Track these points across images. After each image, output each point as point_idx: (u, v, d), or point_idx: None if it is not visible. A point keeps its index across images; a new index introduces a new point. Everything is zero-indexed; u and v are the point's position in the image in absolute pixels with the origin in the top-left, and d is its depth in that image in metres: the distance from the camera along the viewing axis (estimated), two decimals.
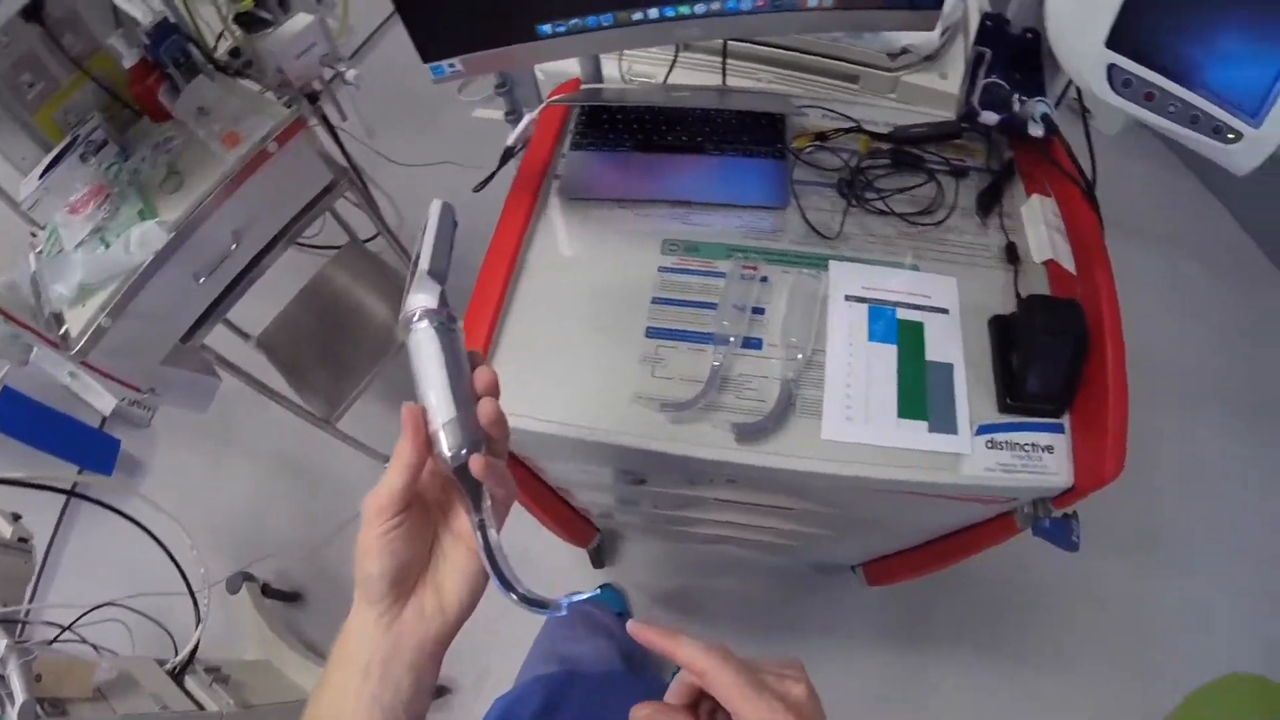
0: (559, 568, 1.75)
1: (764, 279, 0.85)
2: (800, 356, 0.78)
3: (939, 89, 1.18)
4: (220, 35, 1.38)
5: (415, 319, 0.49)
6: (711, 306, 0.83)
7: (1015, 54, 0.87)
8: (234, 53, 1.32)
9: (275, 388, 1.57)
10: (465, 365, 0.49)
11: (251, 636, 1.62)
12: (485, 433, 0.48)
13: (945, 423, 0.77)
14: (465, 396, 0.48)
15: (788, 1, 0.79)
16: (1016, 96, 0.87)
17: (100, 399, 1.29)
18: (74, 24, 1.25)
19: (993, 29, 0.88)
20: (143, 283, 1.16)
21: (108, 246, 1.15)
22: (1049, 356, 0.77)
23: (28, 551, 1.23)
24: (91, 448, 2.02)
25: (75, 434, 1.98)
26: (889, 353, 0.81)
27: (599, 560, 1.72)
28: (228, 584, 1.64)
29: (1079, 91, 0.78)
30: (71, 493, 1.53)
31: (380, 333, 1.80)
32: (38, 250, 1.25)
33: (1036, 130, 0.85)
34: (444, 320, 0.49)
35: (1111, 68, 0.70)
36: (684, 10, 0.79)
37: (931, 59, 1.20)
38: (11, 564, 1.19)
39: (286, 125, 1.21)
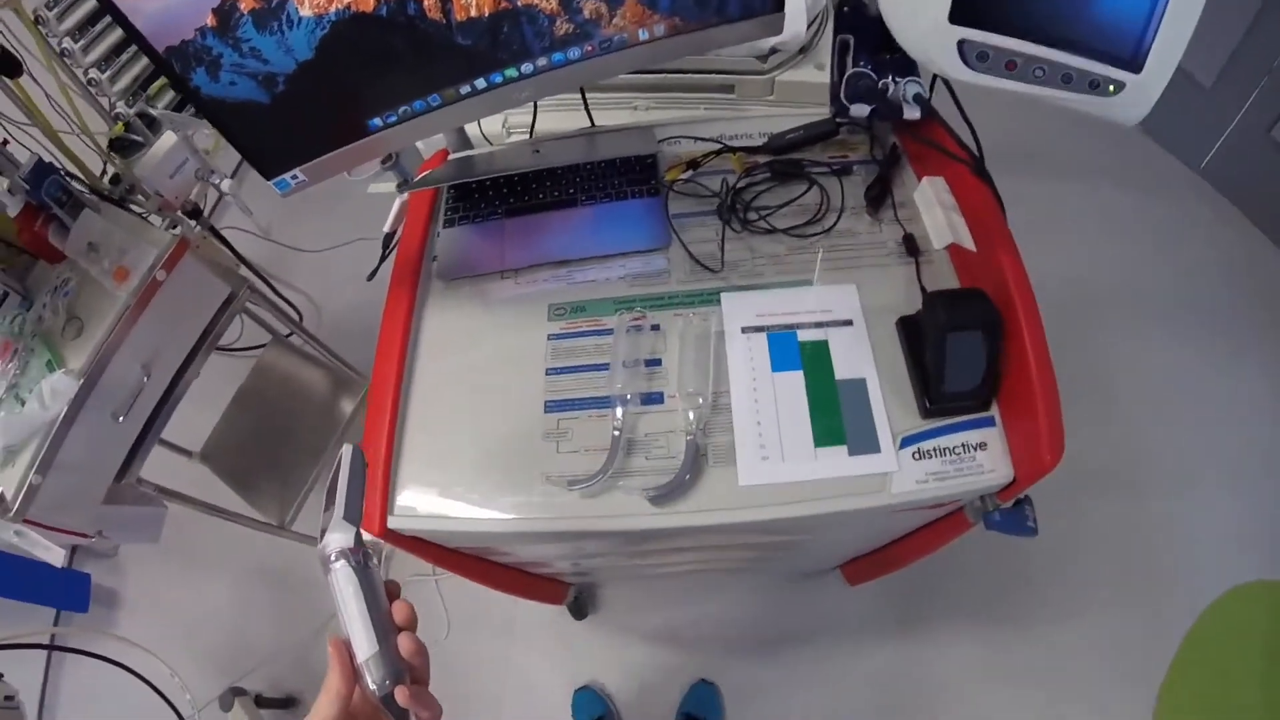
0: (541, 623, 1.72)
1: (655, 326, 0.83)
2: (702, 402, 0.75)
3: (817, 81, 1.15)
4: (106, 162, 1.39)
5: (333, 559, 0.54)
6: (602, 368, 0.80)
7: (880, 36, 0.82)
8: (114, 180, 1.32)
9: (219, 503, 1.57)
10: (383, 599, 0.54)
11: None
12: (407, 663, 0.52)
13: (866, 442, 0.74)
14: (385, 630, 0.53)
15: (616, 41, 0.77)
16: (891, 79, 0.85)
17: (49, 553, 1.30)
18: None
19: (851, 14, 0.86)
20: (63, 434, 1.16)
21: (23, 404, 1.15)
22: (963, 353, 0.74)
23: (15, 709, 1.21)
24: (63, 587, 2.03)
25: (44, 577, 1.96)
26: (795, 380, 0.78)
27: (579, 612, 1.68)
28: (220, 703, 1.62)
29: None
30: (50, 646, 1.53)
31: (318, 427, 1.79)
32: None
33: (912, 113, 0.83)
34: (360, 560, 0.54)
35: (962, 43, 0.67)
36: (511, 74, 0.77)
37: (805, 51, 1.18)
38: None
39: (171, 250, 1.20)
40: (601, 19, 0.74)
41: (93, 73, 1.28)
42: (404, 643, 0.52)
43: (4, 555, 1.80)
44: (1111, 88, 0.65)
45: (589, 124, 1.03)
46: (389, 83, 0.75)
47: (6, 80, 1.23)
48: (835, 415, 0.75)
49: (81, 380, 1.16)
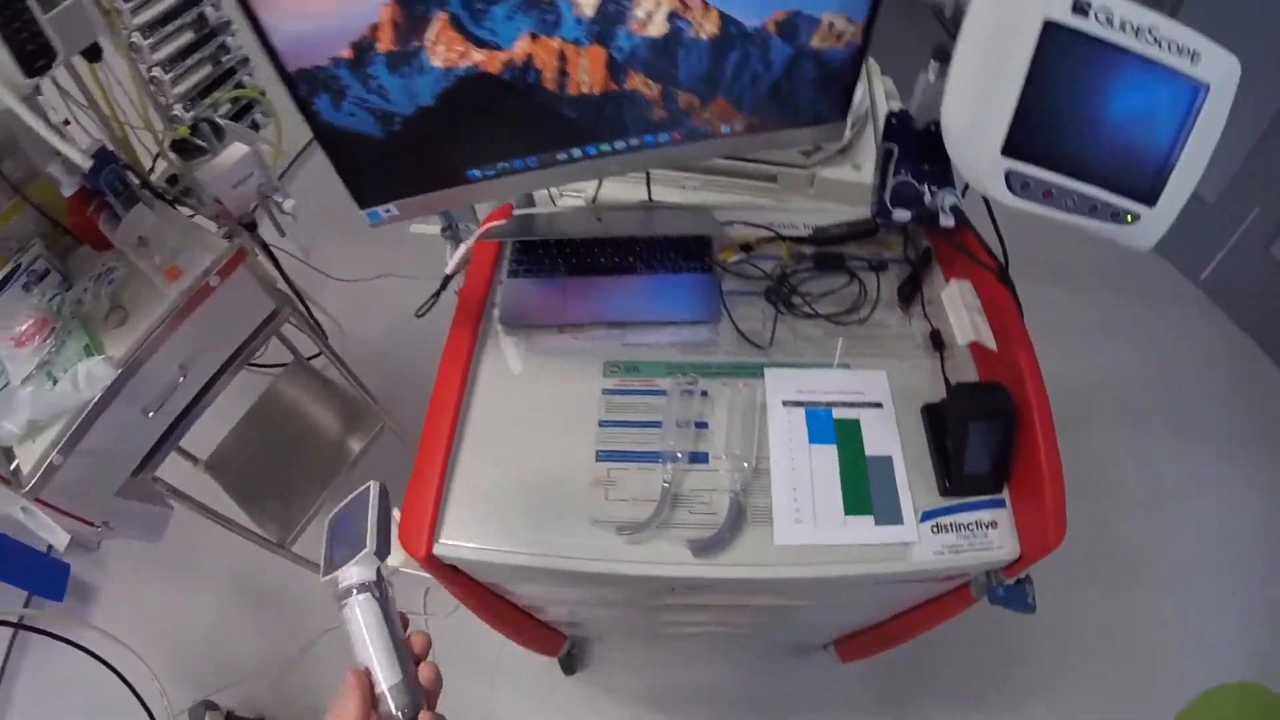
0: (531, 674, 1.76)
1: (704, 393, 0.92)
2: (746, 466, 0.85)
3: (854, 180, 1.29)
4: (156, 160, 1.43)
5: (356, 592, 0.57)
6: (656, 425, 0.90)
7: (922, 146, 0.96)
8: (171, 180, 1.37)
9: (225, 513, 1.60)
10: (401, 630, 0.58)
11: None
12: (425, 691, 0.56)
13: (891, 514, 0.83)
14: (405, 659, 0.56)
15: (701, 131, 0.89)
16: (927, 188, 0.96)
17: (54, 534, 1.29)
18: (12, 150, 1.27)
19: (898, 125, 0.97)
20: (92, 420, 1.18)
21: (55, 383, 1.17)
22: (981, 440, 0.84)
23: None
24: (40, 573, 1.99)
25: (22, 559, 1.94)
26: (830, 453, 0.88)
27: (570, 667, 1.73)
28: (190, 715, 1.62)
29: None
30: (19, 625, 1.49)
31: (329, 453, 1.83)
32: None
33: (947, 221, 0.94)
34: (382, 591, 0.58)
35: (1009, 173, 0.78)
36: (605, 148, 0.88)
37: (844, 151, 1.32)
38: None
39: (228, 259, 1.25)
40: (693, 111, 0.86)
41: (156, 71, 1.30)
42: (425, 671, 0.57)
43: None
44: (1129, 218, 0.77)
45: (647, 198, 1.15)
46: (495, 140, 0.85)
47: (82, 63, 1.26)
48: (864, 487, 0.85)
49: (120, 370, 1.18)
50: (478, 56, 0.74)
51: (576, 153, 0.88)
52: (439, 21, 0.71)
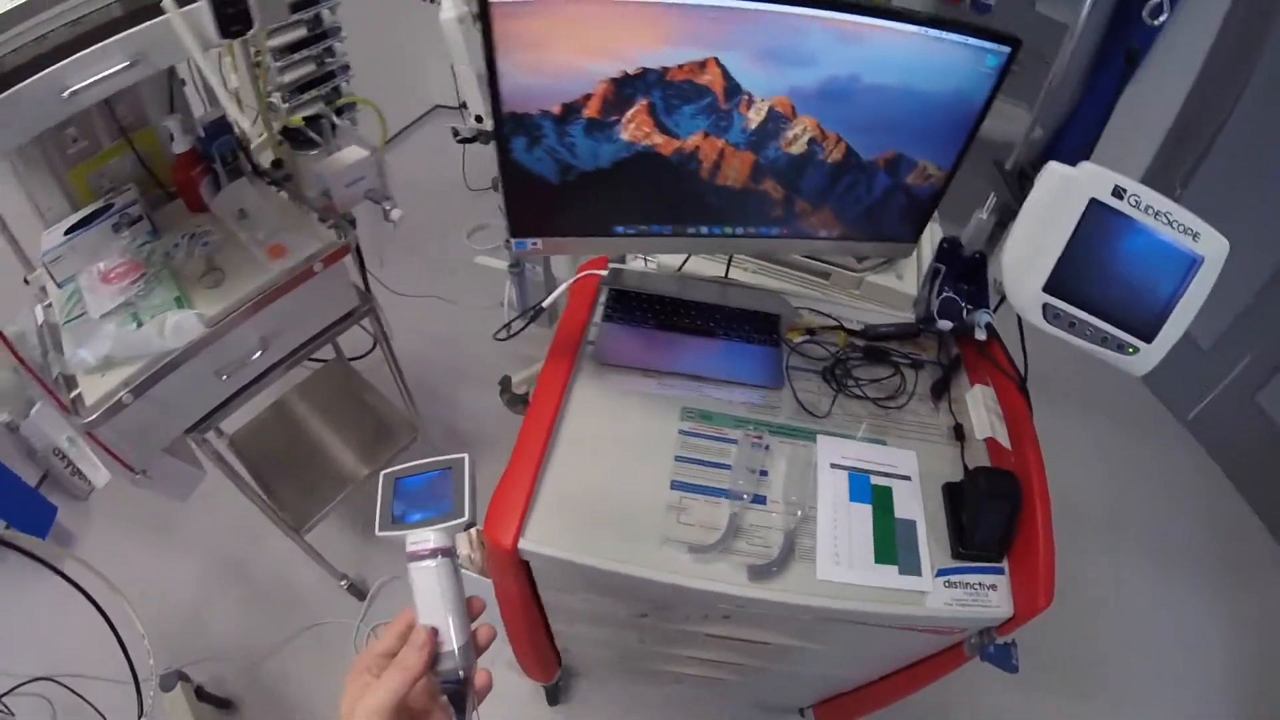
0: (516, 700, 1.90)
1: (767, 446, 1.12)
2: (799, 513, 1.04)
3: (895, 288, 1.53)
4: (262, 141, 1.54)
5: (440, 555, 0.63)
6: (725, 466, 1.08)
7: (965, 269, 1.19)
8: (276, 164, 1.51)
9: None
10: (463, 596, 0.64)
11: None
12: (478, 653, 0.64)
13: (912, 567, 1.03)
14: (466, 625, 0.63)
15: (805, 232, 1.12)
16: (965, 306, 1.19)
17: (96, 472, 1.34)
18: (131, 95, 1.35)
19: (949, 250, 1.20)
20: (169, 369, 1.25)
21: (139, 325, 1.24)
22: (991, 516, 1.05)
23: None
24: (26, 507, 2.01)
25: (11, 491, 1.95)
26: (866, 511, 1.07)
27: (554, 698, 1.88)
28: (162, 681, 1.66)
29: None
30: (6, 544, 1.42)
31: (358, 455, 1.95)
32: (46, 304, 1.33)
33: (981, 335, 1.17)
34: (456, 558, 0.64)
35: (1045, 305, 1.01)
36: (728, 230, 1.11)
37: (889, 264, 1.57)
38: None
39: (336, 250, 1.38)
40: (803, 215, 1.09)
41: (266, 58, 1.36)
42: (484, 633, 0.64)
43: None
44: (1130, 350, 1.00)
45: (724, 274, 1.39)
46: (646, 206, 1.07)
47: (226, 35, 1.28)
48: (892, 542, 1.04)
49: (209, 329, 1.27)
50: (658, 139, 0.96)
51: (705, 229, 1.10)
52: (640, 106, 0.92)
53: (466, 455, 0.67)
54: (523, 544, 1.00)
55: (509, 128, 0.92)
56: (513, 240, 1.09)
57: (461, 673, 0.61)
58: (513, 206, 1.04)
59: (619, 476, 1.08)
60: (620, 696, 1.95)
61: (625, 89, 0.91)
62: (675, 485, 1.07)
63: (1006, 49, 0.96)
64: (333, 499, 1.88)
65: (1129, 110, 1.23)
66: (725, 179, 1.04)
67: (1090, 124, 1.12)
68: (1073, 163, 0.96)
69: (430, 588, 0.62)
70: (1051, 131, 1.14)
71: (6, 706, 1.26)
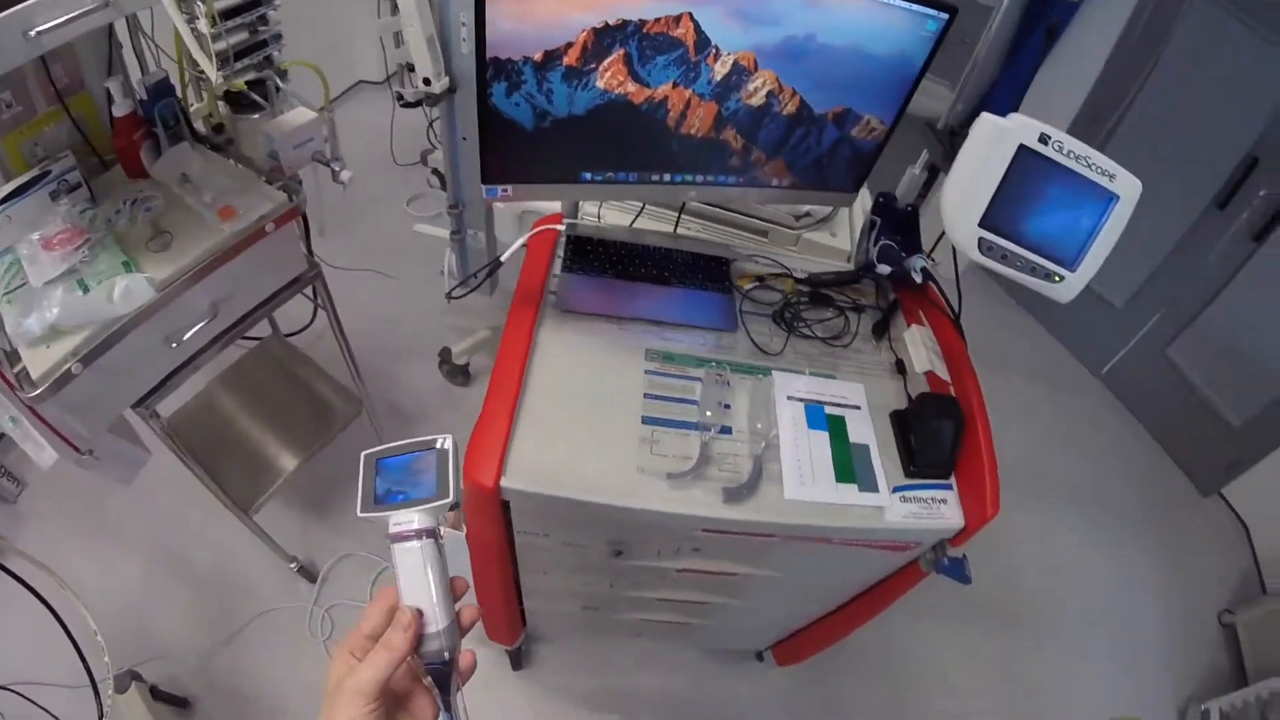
0: (480, 667, 1.91)
1: (728, 383, 1.19)
2: (764, 441, 1.12)
3: (829, 244, 1.65)
4: (202, 106, 1.51)
5: (424, 536, 0.62)
6: (689, 401, 1.15)
7: (898, 221, 1.30)
8: (217, 128, 1.49)
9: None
10: (448, 576, 0.64)
11: None
12: (462, 634, 0.63)
13: (870, 484, 1.12)
14: (450, 606, 0.62)
15: (759, 181, 1.21)
16: (901, 254, 1.31)
17: (40, 451, 1.26)
18: (69, 57, 1.30)
19: (884, 204, 1.32)
20: (120, 336, 1.21)
21: (86, 291, 1.20)
22: (938, 435, 1.15)
23: None
24: None
25: None
26: (823, 437, 1.16)
27: (517, 662, 1.91)
28: (115, 683, 1.61)
29: (954, 252, 1.23)
30: None
31: (308, 429, 1.93)
32: None
33: (917, 277, 1.28)
34: (440, 539, 0.64)
35: (981, 239, 1.11)
36: (688, 179, 1.18)
37: (824, 221, 1.69)
38: None
39: (287, 210, 1.37)
40: (758, 165, 1.17)
41: (201, 24, 1.31)
42: (469, 613, 0.64)
43: None
44: (1056, 278, 1.12)
45: (673, 230, 1.47)
46: (613, 154, 1.13)
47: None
48: (849, 464, 1.13)
49: (160, 293, 1.24)
50: (631, 88, 1.03)
51: (668, 177, 1.17)
52: (617, 56, 0.98)
53: (451, 436, 0.67)
54: (504, 482, 1.03)
55: (490, 72, 0.97)
56: (484, 187, 1.13)
57: (447, 654, 0.61)
58: (487, 153, 1.08)
59: (592, 415, 1.13)
60: (582, 656, 2.00)
61: (605, 39, 0.98)
62: (646, 420, 1.13)
63: (945, 15, 1.07)
64: (277, 479, 1.86)
65: (1046, 84, 1.37)
66: (690, 128, 1.12)
67: (1009, 98, 1.25)
68: None
69: (415, 569, 0.62)
70: (972, 107, 1.27)
71: None
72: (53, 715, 1.36)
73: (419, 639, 0.60)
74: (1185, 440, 2.80)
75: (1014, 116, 1.07)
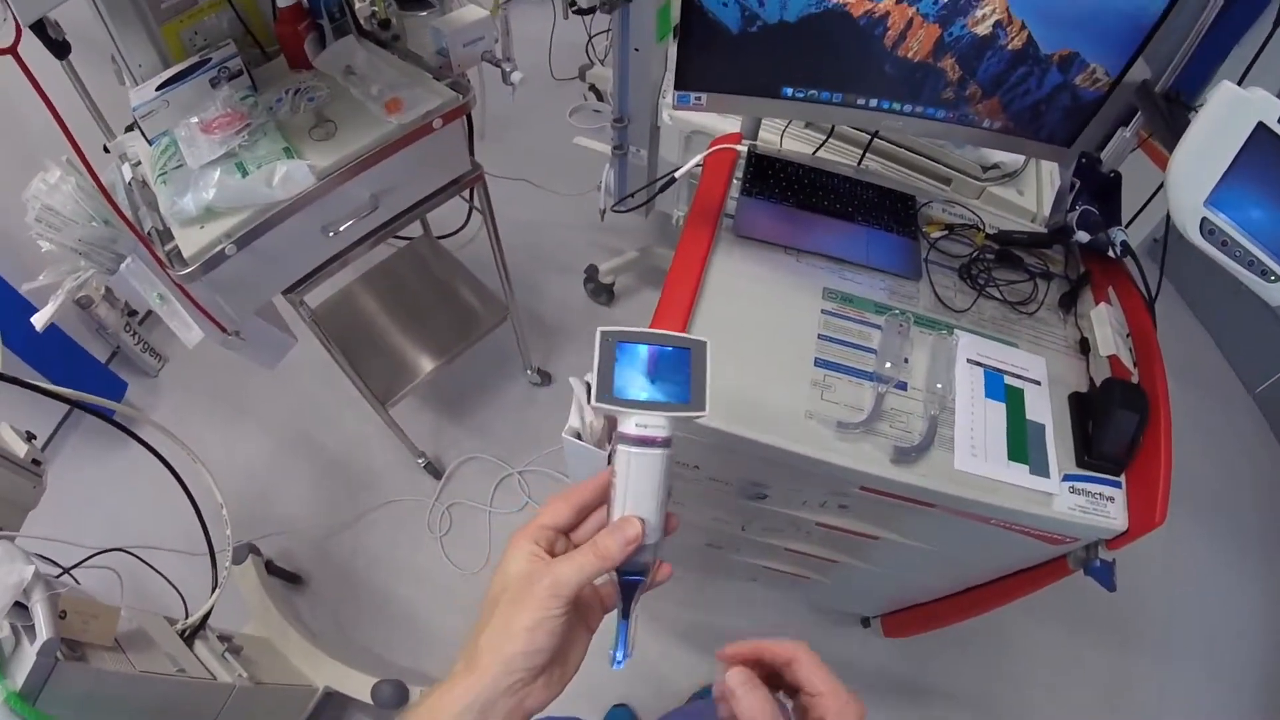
0: None
1: (908, 335, 1.19)
2: (945, 399, 1.12)
3: (1016, 202, 1.59)
4: (374, 3, 1.57)
5: (665, 445, 0.61)
6: (865, 349, 1.15)
7: (1100, 187, 1.25)
8: (384, 24, 1.52)
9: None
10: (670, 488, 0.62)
11: (254, 611, 1.72)
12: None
13: (1041, 468, 1.11)
14: (665, 518, 0.62)
15: (969, 118, 1.16)
16: (1101, 221, 1.26)
17: (188, 331, 1.34)
18: None
19: (1087, 166, 1.26)
20: (277, 221, 1.25)
21: (244, 175, 1.23)
22: (1120, 426, 1.13)
23: (38, 476, 1.19)
24: (95, 383, 2.12)
25: (83, 366, 2.05)
26: (1000, 409, 1.15)
27: None
28: (234, 554, 1.73)
29: (1167, 228, 1.20)
30: (80, 406, 1.35)
31: (450, 329, 2.00)
32: (136, 163, 1.34)
33: (1115, 252, 1.24)
34: (671, 451, 0.61)
35: (1204, 220, 1.07)
36: (895, 106, 1.14)
37: (1012, 176, 1.64)
38: (19, 486, 1.17)
39: (455, 106, 1.39)
40: (972, 99, 1.12)
41: None
42: (673, 521, 0.64)
43: (60, 333, 1.95)
44: (1272, 276, 1.09)
45: (858, 164, 1.45)
46: (821, 70, 1.10)
47: None
48: (1023, 442, 1.12)
49: (321, 181, 1.27)
50: None
51: (874, 103, 1.13)
52: None
53: (708, 340, 0.64)
54: None
55: None
56: (675, 93, 1.12)
57: (652, 564, 0.62)
58: (685, 56, 1.06)
59: (763, 350, 1.14)
60: (689, 589, 2.07)
61: None
62: (819, 363, 1.14)
63: None
64: (416, 377, 1.93)
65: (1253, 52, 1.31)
66: (908, 50, 1.07)
67: (1204, 65, 1.22)
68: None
69: (649, 478, 0.60)
70: (1178, 72, 1.22)
71: (75, 578, 1.27)
72: (170, 581, 1.44)
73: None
74: None
75: (1257, 90, 1.03)
